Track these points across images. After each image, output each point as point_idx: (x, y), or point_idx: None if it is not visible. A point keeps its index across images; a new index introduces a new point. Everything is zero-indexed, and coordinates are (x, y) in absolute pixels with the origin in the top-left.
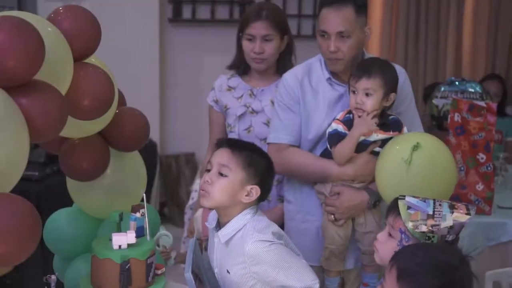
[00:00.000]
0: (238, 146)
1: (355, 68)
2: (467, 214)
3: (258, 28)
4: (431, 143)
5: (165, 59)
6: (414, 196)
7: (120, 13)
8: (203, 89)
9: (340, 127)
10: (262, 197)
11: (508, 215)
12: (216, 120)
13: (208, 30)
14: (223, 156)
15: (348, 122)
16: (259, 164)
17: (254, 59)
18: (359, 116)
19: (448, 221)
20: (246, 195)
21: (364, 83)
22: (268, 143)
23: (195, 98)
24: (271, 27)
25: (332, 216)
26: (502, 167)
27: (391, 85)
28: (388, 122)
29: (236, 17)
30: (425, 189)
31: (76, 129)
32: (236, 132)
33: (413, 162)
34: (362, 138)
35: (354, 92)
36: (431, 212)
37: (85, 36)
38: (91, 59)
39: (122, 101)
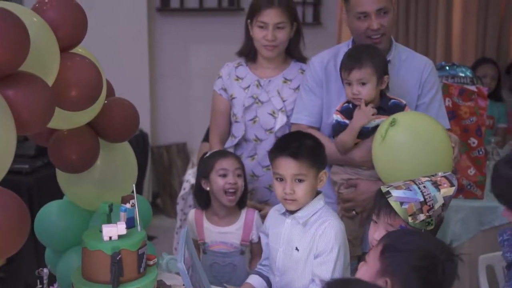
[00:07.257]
0: (298, 152)
1: (345, 60)
2: (451, 186)
3: (271, 15)
4: (409, 119)
5: (154, 49)
6: (395, 187)
7: (108, 2)
8: (193, 78)
9: (339, 117)
10: None
11: None
12: (224, 108)
13: (197, 19)
14: (292, 168)
15: (346, 111)
16: (320, 152)
17: (266, 46)
18: (358, 105)
19: (439, 201)
20: (320, 182)
21: (357, 74)
22: (291, 123)
23: (185, 87)
24: (283, 15)
25: (353, 211)
26: (493, 152)
27: (382, 69)
28: (388, 106)
29: (225, 5)
30: (407, 164)
31: (64, 120)
32: (242, 122)
33: (389, 138)
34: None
35: (349, 83)
36: (422, 199)
37: (71, 25)
38: (78, 49)
39: (110, 91)
